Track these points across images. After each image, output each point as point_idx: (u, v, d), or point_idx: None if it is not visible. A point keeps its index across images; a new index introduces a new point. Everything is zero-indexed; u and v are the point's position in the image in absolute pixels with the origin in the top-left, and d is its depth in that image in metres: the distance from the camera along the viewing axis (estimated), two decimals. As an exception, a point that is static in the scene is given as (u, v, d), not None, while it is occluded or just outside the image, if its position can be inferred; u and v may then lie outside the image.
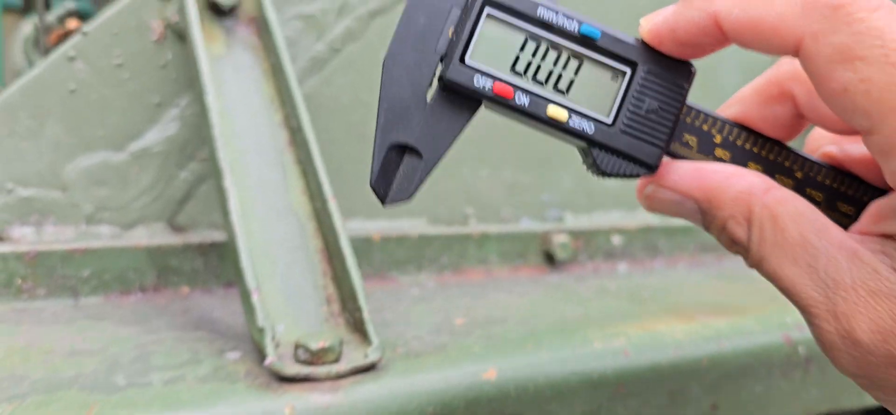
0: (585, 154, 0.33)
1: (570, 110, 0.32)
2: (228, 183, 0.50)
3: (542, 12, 0.32)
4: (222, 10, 0.63)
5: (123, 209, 0.64)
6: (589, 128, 0.32)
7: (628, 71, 0.32)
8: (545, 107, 0.32)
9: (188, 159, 0.65)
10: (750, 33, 0.29)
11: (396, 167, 0.33)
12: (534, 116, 0.32)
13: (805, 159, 0.33)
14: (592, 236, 0.81)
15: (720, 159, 0.33)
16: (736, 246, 0.31)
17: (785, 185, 0.32)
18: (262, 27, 0.64)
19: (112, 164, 0.63)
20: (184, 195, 0.66)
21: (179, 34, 0.65)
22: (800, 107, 0.33)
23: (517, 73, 0.32)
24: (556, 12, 0.32)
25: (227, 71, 0.61)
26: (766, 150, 0.33)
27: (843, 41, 0.27)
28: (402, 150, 0.32)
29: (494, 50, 0.32)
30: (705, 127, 0.33)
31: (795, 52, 0.29)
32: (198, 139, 0.66)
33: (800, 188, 0.33)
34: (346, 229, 0.52)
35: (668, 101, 0.32)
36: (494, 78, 0.32)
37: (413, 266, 0.72)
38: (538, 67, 0.32)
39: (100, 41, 0.63)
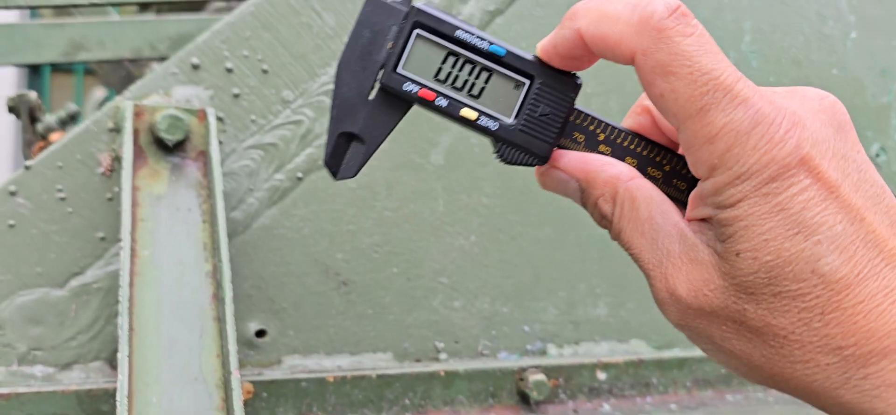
0: (494, 147, 0.41)
1: (480, 112, 0.40)
2: (123, 354, 0.46)
3: (459, 34, 0.39)
4: (167, 146, 0.61)
5: (59, 348, 0.61)
6: (493, 126, 0.40)
7: (527, 82, 0.40)
8: (459, 108, 0.39)
9: (132, 296, 0.63)
10: (601, 46, 0.37)
11: (344, 151, 0.41)
12: (450, 116, 0.40)
13: (668, 152, 0.41)
14: (574, 372, 0.75)
15: (602, 153, 0.40)
16: (604, 220, 0.39)
17: (654, 174, 0.40)
18: (209, 163, 0.61)
19: (50, 301, 0.61)
20: (125, 334, 0.63)
21: (127, 167, 0.63)
22: (654, 117, 0.42)
23: (439, 81, 0.39)
24: (471, 34, 0.39)
25: (164, 213, 0.58)
26: (637, 146, 0.41)
27: (662, 59, 0.35)
28: (350, 138, 0.41)
29: (421, 62, 0.39)
30: (591, 127, 0.41)
31: (632, 63, 0.36)
32: (142, 275, 0.63)
33: (666, 177, 0.41)
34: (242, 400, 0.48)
35: (557, 107, 0.40)
36: (421, 84, 0.39)
37: (371, 409, 0.67)
38: (456, 77, 0.40)
39: (43, 175, 0.61)
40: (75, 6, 0.75)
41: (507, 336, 0.76)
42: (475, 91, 0.40)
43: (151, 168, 0.61)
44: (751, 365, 0.37)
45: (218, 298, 0.54)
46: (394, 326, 0.72)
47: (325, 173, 0.69)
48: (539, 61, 0.40)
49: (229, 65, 0.66)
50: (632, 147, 0.41)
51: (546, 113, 0.40)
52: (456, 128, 0.73)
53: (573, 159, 0.40)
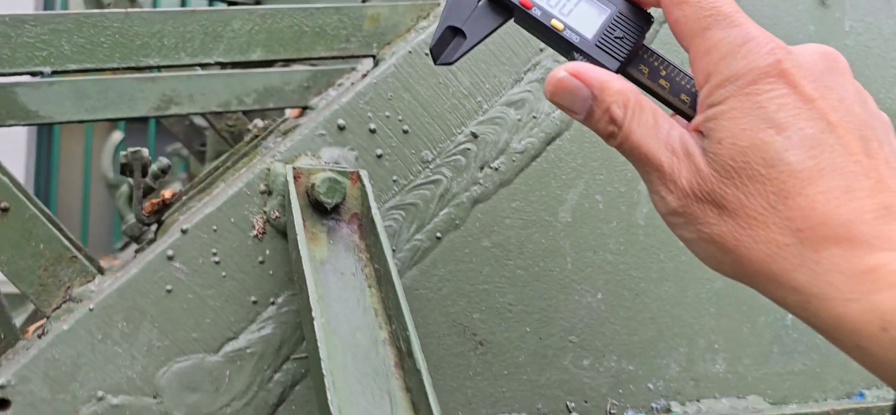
0: (569, 56, 0.48)
1: (566, 25, 0.47)
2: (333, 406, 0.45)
3: None
4: (325, 208, 0.60)
5: (215, 416, 0.60)
6: (575, 39, 0.47)
7: (610, 9, 0.48)
8: (550, 18, 0.48)
9: (283, 360, 0.62)
10: None
11: (448, 43, 0.49)
12: (541, 23, 0.47)
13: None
14: (701, 431, 0.75)
15: (661, 87, 0.47)
16: (612, 125, 0.45)
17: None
18: (365, 225, 0.61)
19: (205, 366, 0.60)
20: (278, 398, 0.62)
21: (279, 229, 0.62)
22: None
23: None
24: None
25: (331, 278, 0.58)
26: (693, 86, 0.46)
27: None
28: (454, 32, 0.49)
29: None
30: (655, 63, 0.47)
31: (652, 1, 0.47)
32: (293, 339, 0.62)
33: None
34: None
35: (630, 33, 0.47)
36: None
37: (513, 472, 0.66)
38: None
39: (198, 239, 0.61)
40: (169, 66, 0.74)
41: (633, 395, 0.76)
42: (565, 9, 0.48)
43: (310, 232, 0.60)
44: (725, 248, 0.42)
45: (405, 368, 0.53)
46: (527, 386, 0.71)
47: (462, 233, 0.69)
48: None
49: (373, 126, 0.66)
50: (687, 86, 0.46)
51: (621, 36, 0.47)
52: (582, 184, 0.73)
53: (588, 70, 0.45)
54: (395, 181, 0.67)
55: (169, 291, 0.59)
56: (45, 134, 4.17)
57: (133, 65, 0.72)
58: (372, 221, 0.60)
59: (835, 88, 0.42)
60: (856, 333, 0.37)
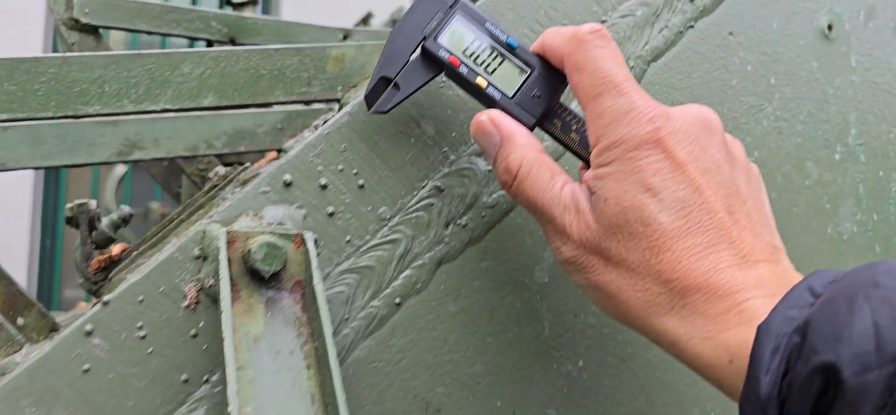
0: (492, 107, 0.54)
1: (490, 83, 0.55)
2: None
3: (487, 25, 0.55)
4: (263, 277, 0.54)
5: None
6: (497, 95, 0.55)
7: (529, 71, 0.55)
8: (476, 77, 0.55)
9: (217, 446, 0.55)
10: (550, 52, 0.54)
11: (381, 92, 0.56)
12: (467, 80, 0.55)
13: None
14: None
15: (572, 140, 0.55)
16: (507, 174, 0.52)
17: None
18: (309, 295, 0.54)
19: (128, 456, 0.54)
20: (210, 490, 0.55)
21: (214, 299, 0.56)
22: None
23: (465, 55, 0.55)
24: (495, 27, 0.55)
25: (264, 357, 0.51)
26: None
27: (578, 59, 0.51)
28: (387, 82, 0.56)
29: (455, 38, 0.55)
30: (567, 118, 0.55)
31: (563, 65, 0.53)
32: (230, 422, 0.56)
33: None
34: None
35: (546, 93, 0.54)
36: (451, 53, 0.55)
37: None
38: (477, 55, 0.55)
39: (122, 311, 0.54)
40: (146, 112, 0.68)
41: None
42: (490, 69, 0.55)
43: (245, 303, 0.54)
44: (609, 294, 0.48)
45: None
46: (501, 467, 0.64)
47: (425, 298, 0.62)
48: (540, 58, 0.55)
49: (324, 180, 0.60)
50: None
51: (537, 95, 0.54)
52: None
53: (503, 119, 0.53)
54: (348, 242, 0.61)
55: (86, 371, 0.53)
56: (52, 173, 4.16)
57: (70, 114, 0.66)
58: (313, 289, 0.53)
59: (707, 149, 0.48)
60: (711, 366, 0.44)
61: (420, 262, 0.62)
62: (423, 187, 0.63)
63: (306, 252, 0.55)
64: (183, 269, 0.56)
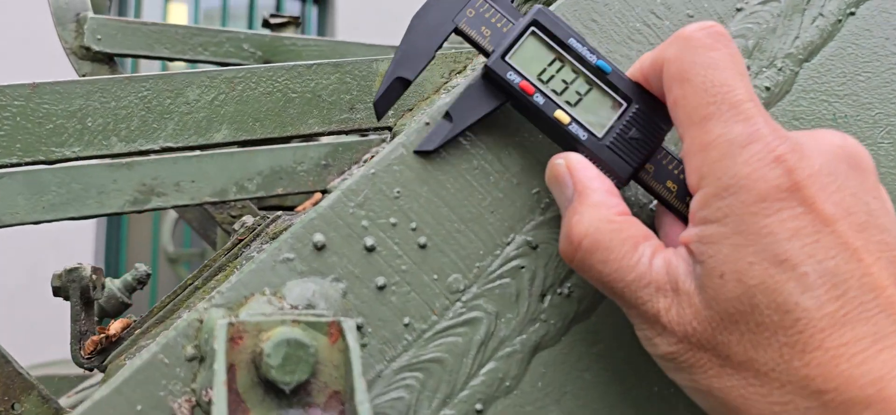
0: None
1: (573, 118, 0.41)
2: None
3: (571, 42, 0.42)
4: (282, 391, 0.36)
5: None
6: (583, 135, 0.41)
7: (625, 104, 0.41)
8: (554, 110, 0.41)
9: None
10: (654, 80, 0.40)
11: (397, 95, 0.43)
12: (543, 114, 0.41)
13: None
14: None
15: (669, 190, 0.41)
16: (568, 243, 0.39)
17: None
18: (350, 413, 0.37)
19: None
20: None
21: (216, 419, 0.39)
22: None
23: (541, 81, 0.42)
24: (582, 45, 0.42)
25: None
26: None
27: (683, 65, 0.37)
28: (405, 84, 0.43)
29: (528, 58, 0.42)
30: (664, 162, 0.41)
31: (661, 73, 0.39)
32: None
33: None
34: None
35: (648, 135, 0.41)
36: (523, 77, 0.42)
37: None
38: (557, 81, 0.42)
39: (84, 442, 0.38)
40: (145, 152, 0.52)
41: None
42: (572, 99, 0.42)
43: (256, 430, 0.36)
44: (730, 406, 0.35)
45: None
46: None
47: (515, 400, 0.44)
48: (639, 87, 0.41)
49: (370, 241, 0.43)
50: None
51: (637, 138, 0.41)
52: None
53: (580, 168, 0.40)
54: (407, 326, 0.43)
55: None
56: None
57: (41, 159, 0.51)
58: (354, 405, 0.36)
59: (859, 196, 0.35)
60: None
61: (508, 349, 0.44)
62: (509, 244, 0.45)
63: (346, 349, 0.37)
64: (170, 376, 0.39)
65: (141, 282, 0.76)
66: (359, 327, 0.42)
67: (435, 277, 0.43)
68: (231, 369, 0.37)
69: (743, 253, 0.34)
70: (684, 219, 0.41)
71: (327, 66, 0.55)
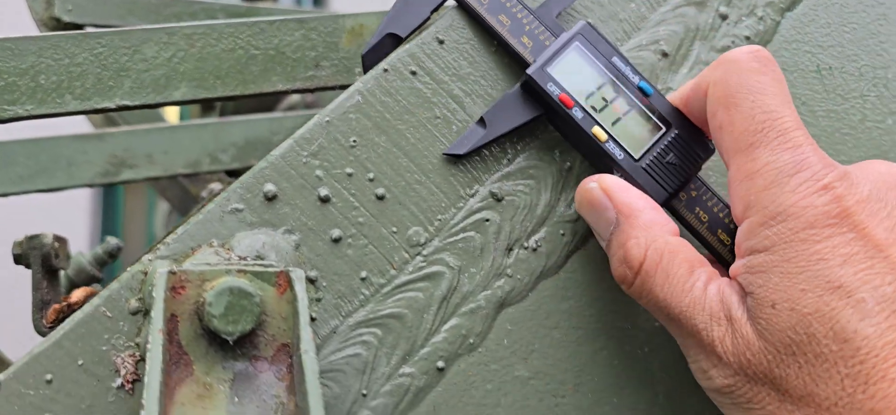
0: (610, 171, 0.41)
1: (610, 136, 0.40)
2: None
3: (615, 60, 0.41)
4: (226, 342, 0.35)
5: None
6: (619, 155, 0.40)
7: (664, 128, 0.41)
8: (592, 125, 0.40)
9: None
10: (696, 107, 0.40)
11: (386, 52, 0.42)
12: (581, 128, 0.40)
13: None
14: None
15: (700, 219, 0.40)
16: (626, 267, 0.37)
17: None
18: (298, 367, 0.35)
19: None
20: None
21: (161, 375, 0.37)
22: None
23: (580, 95, 0.41)
24: (626, 64, 0.41)
25: (222, 475, 0.32)
26: (732, 222, 0.40)
27: (730, 89, 0.36)
28: (397, 41, 0.42)
29: (570, 71, 0.41)
30: (695, 191, 0.41)
31: (706, 96, 0.38)
32: None
33: None
34: None
35: (686, 161, 0.40)
36: (563, 89, 0.41)
37: None
38: (597, 98, 0.41)
39: (21, 397, 0.36)
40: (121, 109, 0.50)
41: None
42: (611, 118, 0.41)
43: (199, 383, 0.35)
44: None
45: None
46: None
47: (479, 358, 0.42)
48: (680, 113, 0.41)
49: (324, 191, 0.41)
50: (731, 224, 0.40)
51: (674, 163, 0.40)
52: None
53: (620, 189, 0.39)
54: (365, 280, 0.41)
55: (-38, 496, 0.35)
56: (111, 193, 4.10)
57: (-9, 118, 0.49)
58: (301, 360, 0.34)
59: None
60: None
61: (472, 305, 0.42)
62: (473, 196, 0.43)
63: (294, 299, 0.36)
64: (113, 330, 0.37)
65: (112, 255, 0.75)
66: (313, 281, 0.40)
67: (394, 229, 0.42)
68: (173, 319, 0.35)
69: (794, 281, 0.33)
70: (713, 251, 0.41)
71: (291, 23, 0.53)
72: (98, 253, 0.74)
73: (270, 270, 0.36)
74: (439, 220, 0.42)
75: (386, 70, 0.42)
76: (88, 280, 0.72)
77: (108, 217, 4.17)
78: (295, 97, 1.06)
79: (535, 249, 0.43)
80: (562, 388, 0.43)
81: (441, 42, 0.43)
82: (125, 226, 4.17)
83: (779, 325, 0.33)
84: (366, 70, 0.42)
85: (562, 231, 0.44)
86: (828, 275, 0.33)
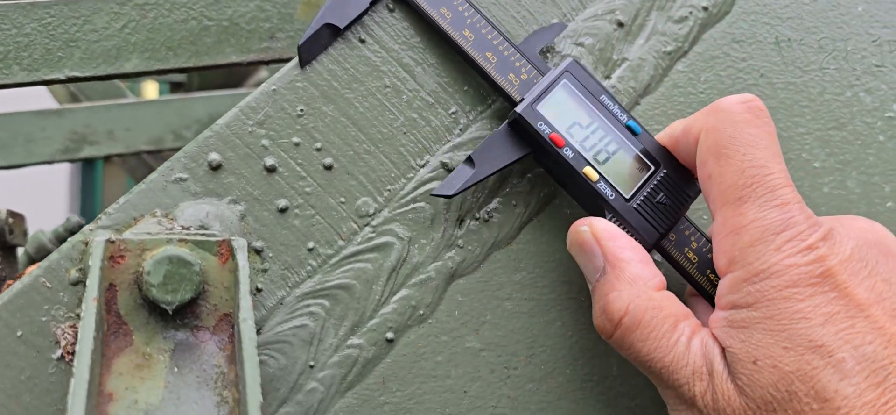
0: (600, 212, 0.40)
1: (601, 176, 0.40)
2: None
3: (603, 98, 0.41)
4: (166, 311, 0.34)
5: None
6: (610, 194, 0.40)
7: (653, 167, 0.40)
8: (584, 165, 0.40)
9: None
10: (684, 148, 0.39)
11: (324, 44, 0.41)
12: (571, 168, 0.40)
13: None
14: None
15: (690, 260, 0.40)
16: (606, 319, 0.37)
17: None
18: (237, 343, 0.34)
19: None
20: None
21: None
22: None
23: (570, 134, 0.40)
24: (614, 103, 0.41)
25: (158, 444, 0.31)
26: None
27: (722, 139, 0.36)
28: (335, 32, 0.41)
29: (559, 110, 0.40)
30: (686, 232, 0.40)
31: (696, 143, 0.38)
32: None
33: None
34: None
35: (676, 201, 0.40)
36: (553, 128, 0.40)
37: None
38: (587, 136, 0.40)
39: (-44, 371, 0.35)
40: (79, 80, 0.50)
41: None
42: (600, 157, 0.40)
43: (138, 353, 0.34)
44: None
45: None
46: None
47: (429, 330, 0.42)
48: (667, 152, 0.41)
49: (271, 160, 0.40)
50: None
51: (664, 203, 0.40)
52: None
53: (608, 236, 0.38)
54: (312, 250, 0.41)
55: None
56: (89, 171, 4.06)
57: (-65, 89, 0.48)
58: (239, 330, 0.33)
59: (891, 282, 0.34)
60: None
61: (422, 276, 0.42)
62: (424, 167, 0.43)
63: (236, 269, 0.35)
64: (53, 300, 0.37)
65: (72, 232, 0.74)
66: (259, 252, 0.40)
67: (342, 200, 0.41)
68: (112, 289, 0.35)
69: (777, 338, 0.34)
70: (703, 291, 0.41)
71: (245, -6, 0.52)
72: (58, 231, 0.73)
73: (212, 239, 0.36)
74: (389, 190, 0.42)
75: (337, 39, 0.42)
76: (46, 254, 0.71)
77: (87, 200, 4.12)
78: (263, 72, 1.05)
79: (486, 220, 0.43)
80: (514, 359, 0.43)
81: (392, 10, 0.43)
82: (104, 208, 4.13)
83: (760, 382, 0.34)
84: (302, 64, 0.41)
85: (514, 202, 0.44)
86: (809, 334, 0.33)
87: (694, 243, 0.40)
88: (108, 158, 0.79)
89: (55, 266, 0.37)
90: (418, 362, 0.42)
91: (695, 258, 0.40)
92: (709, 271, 0.40)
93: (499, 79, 0.41)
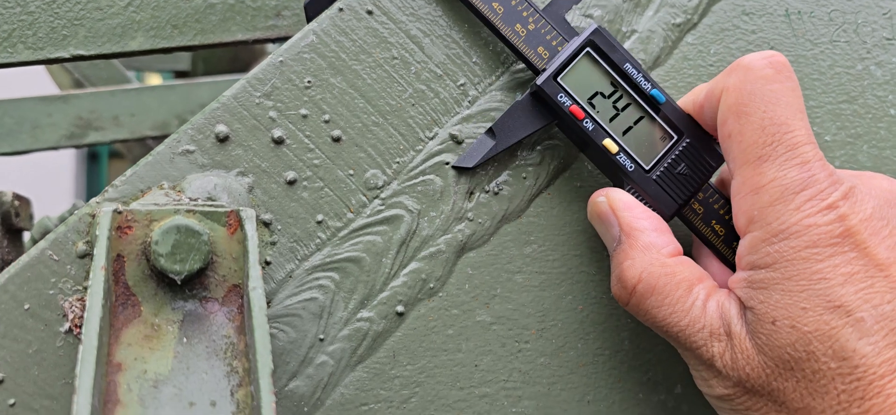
0: (619, 184, 0.40)
1: (621, 147, 0.40)
2: None
3: (627, 67, 0.40)
4: (174, 282, 0.34)
5: None
6: (630, 166, 0.40)
7: (676, 137, 0.40)
8: (603, 137, 0.40)
9: None
10: (708, 113, 0.38)
11: (329, 1, 0.40)
12: (591, 140, 0.40)
13: None
14: None
15: (715, 232, 0.40)
16: (621, 287, 0.37)
17: None
18: (248, 308, 0.34)
19: None
20: None
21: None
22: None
23: (591, 105, 0.40)
24: (638, 72, 0.40)
25: (168, 413, 0.31)
26: None
27: (742, 97, 0.35)
28: None
29: (580, 81, 0.40)
30: (713, 203, 0.40)
31: (718, 103, 0.37)
32: None
33: None
34: None
35: (697, 171, 0.40)
36: (574, 100, 0.40)
37: None
38: (608, 107, 0.40)
39: (-36, 344, 0.35)
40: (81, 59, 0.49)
41: None
42: (621, 127, 0.40)
43: (147, 324, 0.34)
44: None
45: None
46: None
47: (440, 303, 0.42)
48: (692, 120, 0.40)
49: (278, 132, 0.40)
50: None
51: (685, 174, 0.40)
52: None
53: (624, 207, 0.39)
54: (321, 223, 0.40)
55: None
56: (95, 159, 4.05)
57: (-60, 67, 0.48)
58: (249, 301, 0.33)
59: None
60: None
61: (432, 249, 0.42)
62: (433, 139, 0.42)
63: (245, 239, 0.35)
64: (61, 273, 0.36)
65: (79, 219, 0.74)
66: (267, 224, 0.39)
67: (351, 172, 0.41)
68: (119, 259, 0.34)
69: (795, 298, 0.33)
70: (729, 264, 0.40)
71: (251, -29, 0.52)
72: (65, 216, 0.72)
73: (220, 209, 0.35)
74: (397, 162, 0.42)
75: (341, 9, 0.41)
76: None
77: (92, 187, 4.13)
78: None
79: (496, 193, 0.43)
80: (525, 333, 0.43)
81: (399, -19, 0.42)
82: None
83: (779, 342, 0.34)
84: (309, 21, 0.40)
85: (524, 175, 0.43)
86: (829, 294, 0.33)
87: (722, 213, 0.40)
88: (114, 155, 0.79)
89: (62, 239, 0.36)
90: (429, 335, 0.41)
91: (721, 231, 0.40)
92: (735, 244, 0.39)
93: (528, 52, 0.41)
